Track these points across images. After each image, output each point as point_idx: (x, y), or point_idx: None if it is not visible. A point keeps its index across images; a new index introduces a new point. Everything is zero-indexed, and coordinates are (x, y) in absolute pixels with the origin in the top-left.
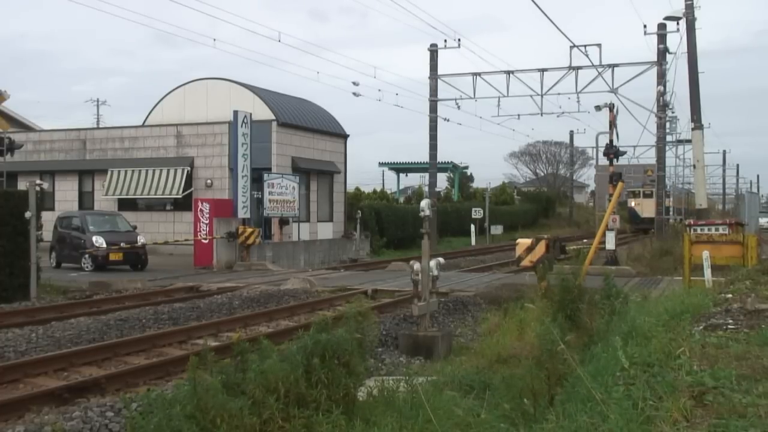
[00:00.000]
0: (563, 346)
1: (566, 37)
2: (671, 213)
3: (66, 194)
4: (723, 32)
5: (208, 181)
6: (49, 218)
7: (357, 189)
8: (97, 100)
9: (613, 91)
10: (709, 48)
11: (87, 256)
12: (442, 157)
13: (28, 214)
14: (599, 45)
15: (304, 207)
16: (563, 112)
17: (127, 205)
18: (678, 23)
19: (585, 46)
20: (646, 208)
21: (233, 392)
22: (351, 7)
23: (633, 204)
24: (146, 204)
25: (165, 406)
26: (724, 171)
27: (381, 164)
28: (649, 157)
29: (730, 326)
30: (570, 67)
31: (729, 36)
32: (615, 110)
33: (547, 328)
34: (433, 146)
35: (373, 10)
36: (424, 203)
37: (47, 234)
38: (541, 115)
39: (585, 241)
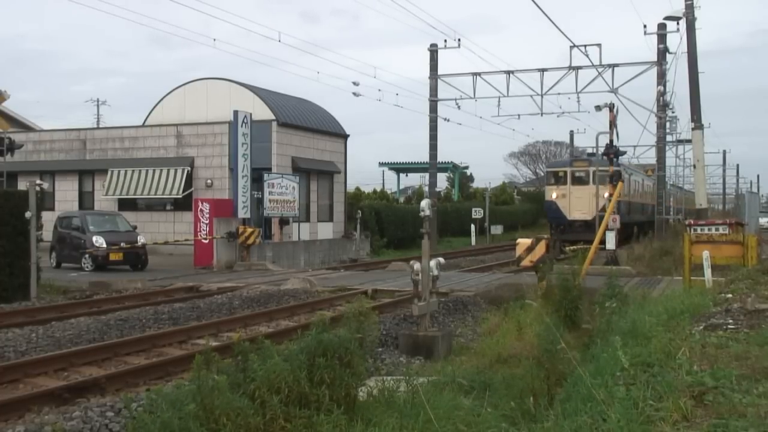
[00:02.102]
0: (563, 345)
1: (566, 37)
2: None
3: (66, 194)
4: (716, 33)
5: (208, 181)
6: (49, 218)
7: (357, 189)
8: (97, 100)
9: (613, 91)
10: (703, 49)
11: (87, 256)
12: (442, 157)
13: (28, 214)
14: (599, 45)
15: (304, 207)
16: (563, 112)
17: (127, 205)
18: (678, 23)
19: (585, 46)
20: (577, 204)
21: (235, 392)
22: (343, 8)
23: (554, 196)
24: (146, 204)
25: (170, 406)
26: (724, 171)
27: (381, 164)
28: (649, 157)
29: (730, 326)
30: (570, 67)
31: (722, 37)
32: (615, 110)
33: (546, 327)
34: (433, 146)
35: (368, 9)
36: (424, 203)
37: (47, 234)
38: (541, 115)
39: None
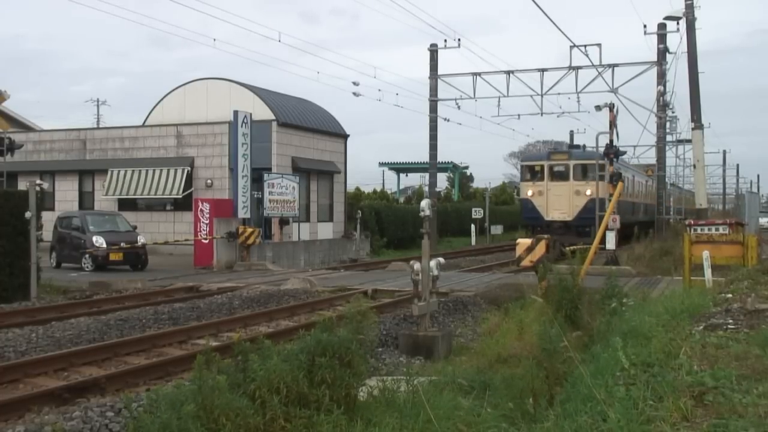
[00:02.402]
0: (566, 344)
1: (566, 36)
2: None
3: (66, 194)
4: (714, 33)
5: (208, 181)
6: (49, 218)
7: (357, 189)
8: (97, 100)
9: (613, 91)
10: (701, 48)
11: (87, 256)
12: (442, 157)
13: (28, 214)
14: (599, 45)
15: (304, 207)
16: (563, 112)
17: (127, 205)
18: (678, 23)
19: (585, 46)
20: (555, 203)
21: (235, 392)
22: (342, 9)
23: (529, 194)
24: (146, 204)
25: (170, 406)
26: (724, 171)
27: (381, 164)
28: (649, 157)
29: (730, 326)
30: (570, 67)
31: (720, 37)
32: (615, 110)
33: (546, 327)
34: (433, 146)
35: (367, 9)
36: (424, 203)
37: (47, 234)
38: (541, 115)
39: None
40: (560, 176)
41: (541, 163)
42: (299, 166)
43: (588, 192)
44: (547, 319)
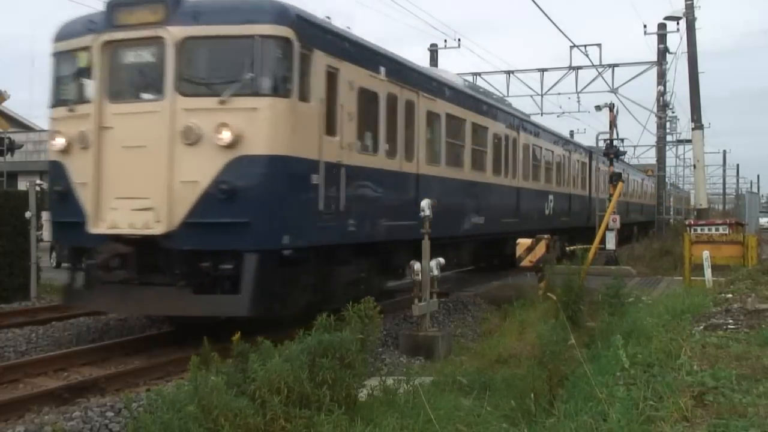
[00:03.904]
0: (573, 341)
1: (566, 37)
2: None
3: None
4: (714, 34)
5: None
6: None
7: None
8: None
9: (613, 91)
10: (701, 49)
11: None
12: None
13: (28, 214)
14: (599, 45)
15: None
16: (563, 112)
17: None
18: (678, 23)
19: (585, 46)
20: (122, 176)
21: (234, 392)
22: (337, 10)
23: (61, 143)
24: None
25: (170, 406)
26: (724, 171)
27: None
28: (650, 157)
29: (730, 326)
30: (570, 67)
31: (720, 38)
32: (615, 110)
33: (551, 327)
34: None
35: (366, 9)
36: (424, 203)
37: (47, 234)
38: (541, 115)
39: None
40: (140, 83)
41: (84, 41)
42: None
43: (226, 135)
44: (549, 319)
